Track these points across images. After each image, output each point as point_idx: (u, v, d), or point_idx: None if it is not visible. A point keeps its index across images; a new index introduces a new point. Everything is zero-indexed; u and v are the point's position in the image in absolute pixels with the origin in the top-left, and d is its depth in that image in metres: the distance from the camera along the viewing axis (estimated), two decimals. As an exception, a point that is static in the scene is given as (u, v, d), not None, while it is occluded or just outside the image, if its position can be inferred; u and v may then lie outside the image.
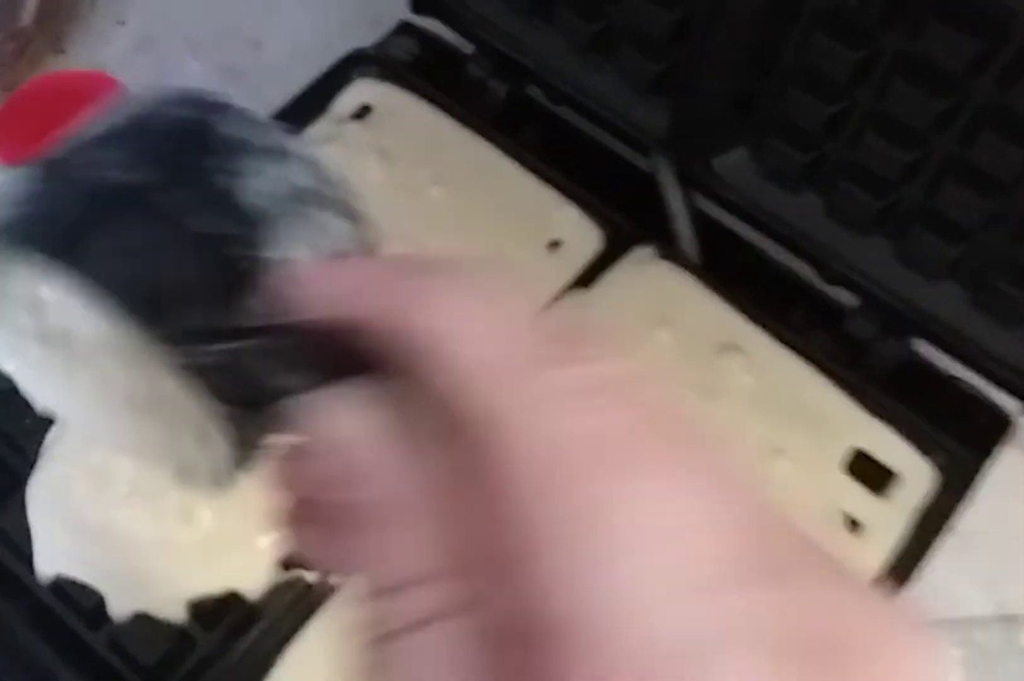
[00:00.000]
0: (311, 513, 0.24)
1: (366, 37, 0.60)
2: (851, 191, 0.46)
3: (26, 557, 0.47)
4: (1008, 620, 0.52)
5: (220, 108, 0.25)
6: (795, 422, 0.51)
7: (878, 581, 0.48)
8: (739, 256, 0.54)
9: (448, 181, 0.55)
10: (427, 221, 0.54)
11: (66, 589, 0.47)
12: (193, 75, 0.64)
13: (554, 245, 0.54)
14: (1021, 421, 0.52)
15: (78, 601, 0.46)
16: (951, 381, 0.52)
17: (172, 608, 0.46)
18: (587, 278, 0.53)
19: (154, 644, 0.46)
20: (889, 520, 0.49)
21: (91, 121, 0.25)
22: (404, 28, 0.60)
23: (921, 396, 0.51)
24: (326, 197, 0.25)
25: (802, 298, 0.53)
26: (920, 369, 0.52)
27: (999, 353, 0.47)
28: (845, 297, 0.53)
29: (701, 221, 0.54)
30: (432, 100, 0.57)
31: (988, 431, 0.51)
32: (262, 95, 0.55)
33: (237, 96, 0.26)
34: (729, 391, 0.51)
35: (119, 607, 0.46)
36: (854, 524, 0.49)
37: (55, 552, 0.47)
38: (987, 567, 0.53)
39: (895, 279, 0.48)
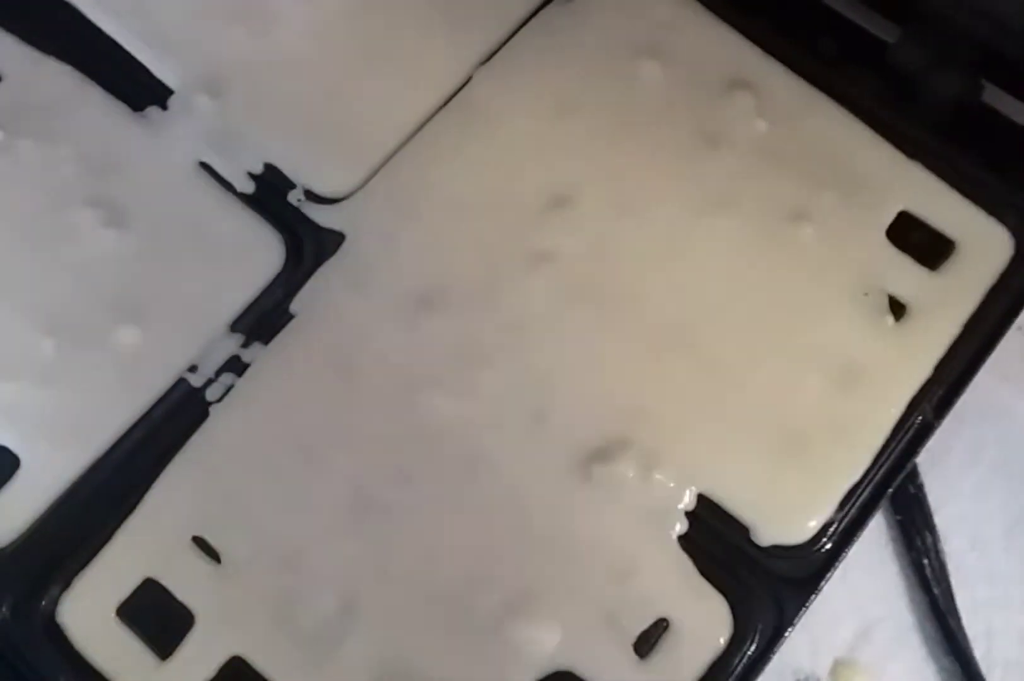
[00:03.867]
0: None
1: None
2: None
3: None
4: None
5: None
6: (822, 178, 0.38)
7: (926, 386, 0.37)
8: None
9: None
10: None
11: None
12: None
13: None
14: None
15: None
16: (1026, 131, 0.40)
17: None
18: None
19: None
20: (946, 302, 0.37)
21: None
22: None
23: (987, 147, 0.39)
24: None
25: (832, 30, 0.41)
26: (986, 114, 0.40)
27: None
28: (887, 29, 0.41)
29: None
30: None
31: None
32: None
33: None
34: (735, 139, 0.39)
35: None
36: (900, 308, 0.38)
37: None
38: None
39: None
